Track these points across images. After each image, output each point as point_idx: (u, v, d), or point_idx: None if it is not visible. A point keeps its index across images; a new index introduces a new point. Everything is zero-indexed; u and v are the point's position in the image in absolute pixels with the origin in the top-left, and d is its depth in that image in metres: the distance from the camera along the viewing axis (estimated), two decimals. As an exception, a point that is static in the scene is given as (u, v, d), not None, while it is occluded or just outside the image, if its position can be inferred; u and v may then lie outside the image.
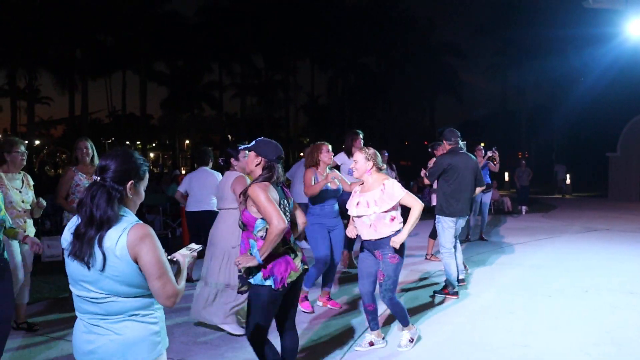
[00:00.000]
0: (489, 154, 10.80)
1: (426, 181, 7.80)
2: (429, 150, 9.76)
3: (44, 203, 5.98)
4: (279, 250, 3.95)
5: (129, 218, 2.58)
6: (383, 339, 5.48)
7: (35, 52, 38.30)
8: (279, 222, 3.78)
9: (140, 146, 48.59)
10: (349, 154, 8.26)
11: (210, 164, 8.06)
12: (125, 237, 2.49)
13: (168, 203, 13.90)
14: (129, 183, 2.61)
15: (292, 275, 3.98)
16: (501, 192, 20.71)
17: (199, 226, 7.73)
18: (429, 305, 6.92)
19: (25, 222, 5.79)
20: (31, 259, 5.96)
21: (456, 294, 7.35)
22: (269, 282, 3.94)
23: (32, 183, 6.07)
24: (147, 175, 2.76)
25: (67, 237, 2.64)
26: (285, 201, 4.03)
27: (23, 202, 5.77)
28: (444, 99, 53.96)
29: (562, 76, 41.67)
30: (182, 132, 63.73)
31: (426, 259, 9.78)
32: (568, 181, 28.17)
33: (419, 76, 50.09)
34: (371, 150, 5.17)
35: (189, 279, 7.72)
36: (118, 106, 53.06)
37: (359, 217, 5.13)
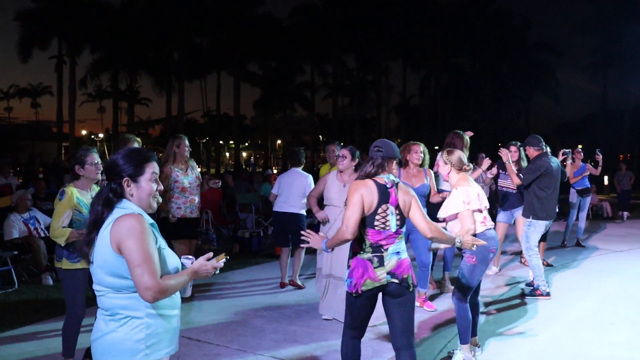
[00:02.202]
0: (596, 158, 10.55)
1: (517, 180, 7.60)
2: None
3: None
4: (363, 255, 3.88)
5: (123, 210, 2.63)
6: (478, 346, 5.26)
7: (136, 55, 39.92)
8: (346, 229, 3.82)
9: (233, 145, 49.73)
10: None
11: (302, 165, 8.07)
12: (110, 226, 2.57)
13: (260, 202, 14.12)
14: (124, 180, 2.67)
15: (368, 283, 3.82)
16: (600, 197, 19.85)
17: (284, 227, 7.76)
18: (524, 312, 6.71)
19: None
20: None
21: (548, 294, 7.33)
22: (345, 285, 3.97)
23: None
24: (150, 168, 2.75)
25: None
26: (385, 205, 3.87)
27: None
28: (539, 99, 52.44)
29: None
30: (275, 132, 64.71)
31: (521, 262, 9.50)
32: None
33: (513, 76, 48.91)
34: (450, 154, 5.02)
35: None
36: (212, 106, 54.60)
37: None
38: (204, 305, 6.97)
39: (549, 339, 5.76)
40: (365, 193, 3.83)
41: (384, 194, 3.85)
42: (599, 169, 11.56)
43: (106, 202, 2.65)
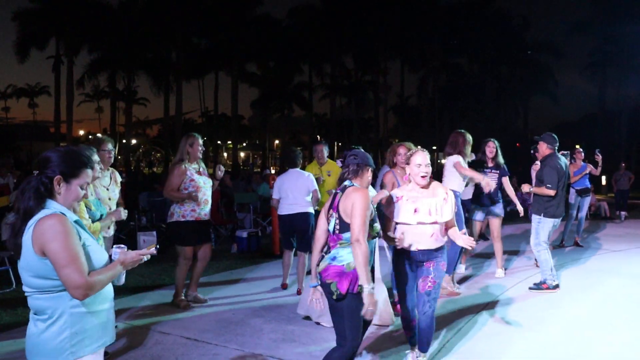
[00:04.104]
0: (589, 167, 10.62)
1: (551, 192, 7.44)
2: (532, 152, 9.57)
3: (124, 216, 5.81)
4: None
5: (46, 210, 2.60)
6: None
7: (134, 55, 39.88)
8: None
9: (231, 146, 49.70)
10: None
11: (299, 166, 7.95)
12: (33, 227, 2.55)
13: (258, 202, 14.12)
14: (56, 177, 2.64)
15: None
16: (598, 197, 19.86)
17: (293, 228, 7.64)
18: (522, 312, 6.70)
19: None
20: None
21: (557, 287, 7.50)
22: None
23: (119, 180, 6.17)
24: (85, 175, 2.76)
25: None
26: (329, 211, 4.14)
27: (110, 199, 5.87)
28: (538, 99, 52.51)
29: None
30: (272, 132, 64.65)
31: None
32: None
33: (512, 76, 48.91)
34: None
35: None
36: (210, 106, 54.63)
37: (420, 224, 4.62)
38: (202, 305, 6.95)
39: (548, 339, 5.74)
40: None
41: (333, 199, 4.08)
42: (599, 169, 11.57)
43: (37, 194, 2.62)
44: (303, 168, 7.98)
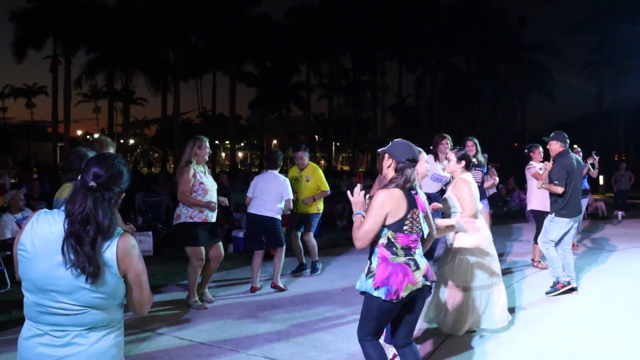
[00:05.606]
0: (590, 160, 10.56)
1: (559, 189, 7.29)
2: (525, 152, 9.54)
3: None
4: (398, 260, 3.71)
5: (117, 228, 2.45)
6: None
7: (131, 55, 39.85)
8: (355, 241, 3.72)
9: (229, 146, 49.72)
10: (435, 158, 8.28)
11: (279, 168, 7.94)
12: (115, 247, 2.38)
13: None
14: (122, 194, 2.52)
15: (409, 288, 3.66)
16: (595, 197, 19.81)
17: (259, 229, 7.70)
18: (520, 312, 6.67)
19: None
20: None
21: (569, 284, 7.35)
22: (379, 293, 3.67)
23: None
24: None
25: (26, 241, 2.42)
26: (414, 210, 3.75)
27: None
28: (535, 99, 52.68)
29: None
30: (270, 132, 64.67)
31: (533, 265, 9.41)
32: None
33: (510, 76, 48.98)
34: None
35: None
36: (208, 107, 54.51)
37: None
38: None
39: (546, 339, 5.72)
40: (391, 203, 3.68)
41: (412, 200, 3.75)
42: (596, 170, 11.49)
43: (110, 209, 2.41)
44: (283, 172, 8.05)
